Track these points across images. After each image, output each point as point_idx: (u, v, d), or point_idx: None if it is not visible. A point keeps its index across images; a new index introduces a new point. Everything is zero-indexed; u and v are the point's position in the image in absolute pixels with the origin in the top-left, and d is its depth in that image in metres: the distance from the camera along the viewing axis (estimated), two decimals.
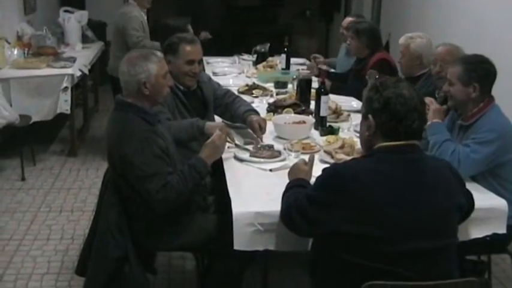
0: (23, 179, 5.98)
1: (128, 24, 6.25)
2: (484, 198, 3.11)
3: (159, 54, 3.36)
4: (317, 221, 2.50)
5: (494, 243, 3.35)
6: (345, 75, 5.98)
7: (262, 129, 3.97)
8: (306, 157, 3.16)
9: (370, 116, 2.53)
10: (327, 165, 2.77)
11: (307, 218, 2.54)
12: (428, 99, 3.58)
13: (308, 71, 5.92)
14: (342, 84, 5.58)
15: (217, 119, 4.36)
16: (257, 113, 4.21)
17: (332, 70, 6.37)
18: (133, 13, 6.27)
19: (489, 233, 3.13)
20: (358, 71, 5.64)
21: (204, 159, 3.29)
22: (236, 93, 4.94)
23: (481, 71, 3.45)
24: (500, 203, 3.15)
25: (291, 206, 2.65)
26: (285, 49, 6.37)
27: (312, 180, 2.73)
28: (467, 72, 3.44)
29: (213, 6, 12.78)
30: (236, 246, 2.89)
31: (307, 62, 6.82)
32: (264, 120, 4.06)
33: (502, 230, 3.13)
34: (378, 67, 5.25)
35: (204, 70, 6.12)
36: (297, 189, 2.79)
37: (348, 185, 2.41)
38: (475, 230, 3.07)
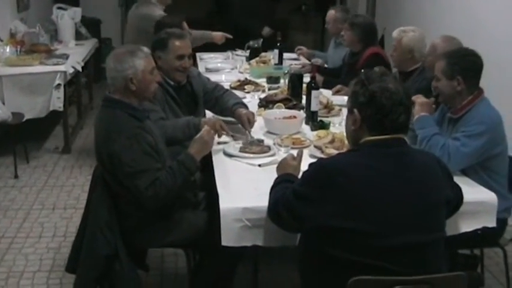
0: (16, 176, 5.96)
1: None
2: (473, 192, 3.11)
3: (146, 50, 3.35)
4: (304, 217, 2.49)
5: (485, 237, 3.34)
6: (338, 70, 5.97)
7: (250, 123, 3.96)
8: (296, 152, 3.15)
9: (355, 110, 2.52)
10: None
11: (294, 214, 2.53)
12: (415, 96, 3.57)
13: (300, 66, 5.89)
14: (335, 79, 5.55)
15: (208, 113, 4.35)
16: (246, 106, 4.21)
17: (325, 65, 6.37)
18: (156, 12, 5.91)
19: (479, 226, 3.12)
20: (351, 65, 5.62)
21: (193, 155, 3.27)
22: (228, 88, 4.93)
23: (463, 63, 3.43)
24: (490, 196, 3.14)
25: (278, 202, 2.64)
26: (278, 44, 6.36)
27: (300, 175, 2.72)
28: (450, 66, 3.43)
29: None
30: (224, 242, 2.88)
31: (301, 58, 6.84)
32: (253, 114, 4.06)
33: (492, 223, 3.12)
34: (371, 61, 5.23)
35: (197, 66, 6.14)
36: (285, 184, 2.78)
37: (334, 180, 2.40)
38: (465, 224, 3.06)
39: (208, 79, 4.51)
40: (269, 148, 3.64)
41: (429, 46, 4.24)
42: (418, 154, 2.68)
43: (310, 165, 2.58)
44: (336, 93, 5.17)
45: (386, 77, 2.53)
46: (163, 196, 3.11)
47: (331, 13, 6.45)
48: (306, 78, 4.94)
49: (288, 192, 2.58)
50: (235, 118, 4.07)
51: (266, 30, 7.69)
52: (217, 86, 4.41)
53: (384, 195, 2.40)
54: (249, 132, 3.92)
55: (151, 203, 3.13)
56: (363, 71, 2.66)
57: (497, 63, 4.45)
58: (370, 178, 2.41)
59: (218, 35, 6.45)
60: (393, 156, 2.48)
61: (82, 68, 7.23)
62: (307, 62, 6.44)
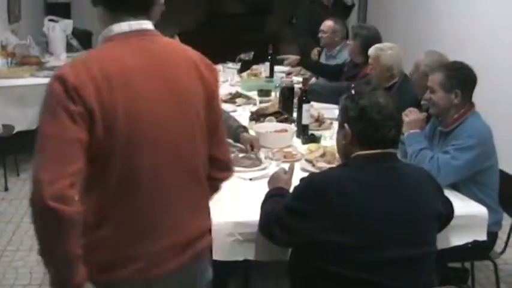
0: (6, 189, 5.94)
1: None
2: (464, 206, 3.12)
3: None
4: (295, 231, 2.49)
5: (476, 250, 3.36)
6: (337, 72, 5.95)
7: (256, 149, 3.87)
8: (287, 166, 3.15)
9: (346, 125, 2.54)
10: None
11: (286, 229, 2.53)
12: (407, 110, 3.59)
13: (289, 79, 5.84)
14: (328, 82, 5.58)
15: None
16: (246, 129, 4.13)
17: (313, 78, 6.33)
18: None
19: (470, 240, 3.13)
20: (350, 78, 5.56)
21: None
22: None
23: (462, 76, 3.46)
24: (481, 210, 3.16)
25: (269, 216, 2.64)
26: (269, 57, 6.36)
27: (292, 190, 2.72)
28: (449, 79, 3.45)
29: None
30: (216, 257, 2.85)
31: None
32: (257, 140, 3.96)
33: (483, 237, 3.14)
34: (366, 80, 5.14)
35: None
36: (276, 198, 2.78)
37: (325, 194, 2.40)
38: (456, 238, 3.07)
39: None
40: (260, 162, 3.64)
41: (413, 65, 4.21)
42: (408, 168, 2.71)
43: (302, 179, 2.58)
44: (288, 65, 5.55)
45: (377, 92, 2.57)
46: None
47: (329, 24, 6.40)
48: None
49: (280, 207, 2.58)
50: (240, 141, 3.99)
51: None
52: None
53: (375, 209, 2.41)
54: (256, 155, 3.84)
55: None
56: (353, 85, 2.68)
57: (489, 72, 4.46)
58: (360, 192, 2.42)
59: None
60: (384, 170, 2.50)
61: None
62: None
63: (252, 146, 3.91)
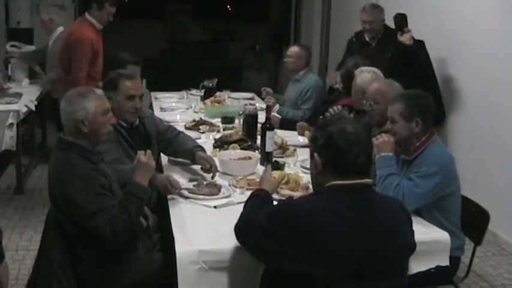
0: None
1: None
2: (426, 232, 3.16)
3: (99, 92, 3.34)
4: (268, 252, 2.50)
5: (439, 275, 3.38)
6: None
7: (213, 168, 3.92)
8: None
9: (315, 154, 2.55)
10: None
11: (259, 246, 2.54)
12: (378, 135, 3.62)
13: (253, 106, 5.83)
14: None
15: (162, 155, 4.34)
16: (203, 149, 4.19)
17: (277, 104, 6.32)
18: None
19: (433, 266, 3.16)
20: (330, 102, 5.55)
21: (138, 182, 3.26)
22: (183, 128, 4.93)
23: (421, 105, 3.52)
24: (443, 236, 3.19)
25: (245, 224, 2.68)
26: None
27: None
28: (409, 108, 3.49)
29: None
30: (181, 286, 2.84)
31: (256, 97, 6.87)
32: (212, 159, 4.02)
33: (445, 262, 3.17)
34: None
35: (152, 105, 6.14)
36: (257, 201, 2.89)
37: (300, 224, 2.39)
38: (419, 264, 3.08)
39: (161, 120, 4.50)
40: (225, 189, 3.64)
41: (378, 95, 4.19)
42: (383, 200, 2.66)
43: (279, 202, 2.60)
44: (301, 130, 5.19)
45: (345, 119, 2.59)
46: (121, 231, 3.09)
47: (295, 49, 6.46)
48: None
49: (255, 223, 2.57)
50: (196, 160, 4.05)
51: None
52: (170, 128, 4.40)
53: (348, 242, 2.39)
54: (214, 176, 3.89)
55: (112, 241, 3.10)
56: (321, 117, 2.69)
57: (464, 62, 4.52)
58: (334, 224, 2.40)
59: None
60: (358, 202, 2.48)
61: (35, 106, 7.15)
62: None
63: (210, 163, 3.94)
